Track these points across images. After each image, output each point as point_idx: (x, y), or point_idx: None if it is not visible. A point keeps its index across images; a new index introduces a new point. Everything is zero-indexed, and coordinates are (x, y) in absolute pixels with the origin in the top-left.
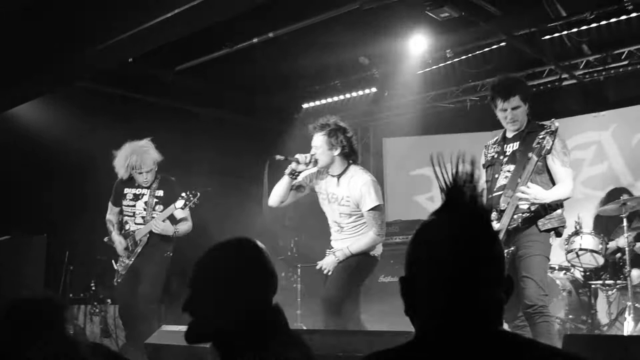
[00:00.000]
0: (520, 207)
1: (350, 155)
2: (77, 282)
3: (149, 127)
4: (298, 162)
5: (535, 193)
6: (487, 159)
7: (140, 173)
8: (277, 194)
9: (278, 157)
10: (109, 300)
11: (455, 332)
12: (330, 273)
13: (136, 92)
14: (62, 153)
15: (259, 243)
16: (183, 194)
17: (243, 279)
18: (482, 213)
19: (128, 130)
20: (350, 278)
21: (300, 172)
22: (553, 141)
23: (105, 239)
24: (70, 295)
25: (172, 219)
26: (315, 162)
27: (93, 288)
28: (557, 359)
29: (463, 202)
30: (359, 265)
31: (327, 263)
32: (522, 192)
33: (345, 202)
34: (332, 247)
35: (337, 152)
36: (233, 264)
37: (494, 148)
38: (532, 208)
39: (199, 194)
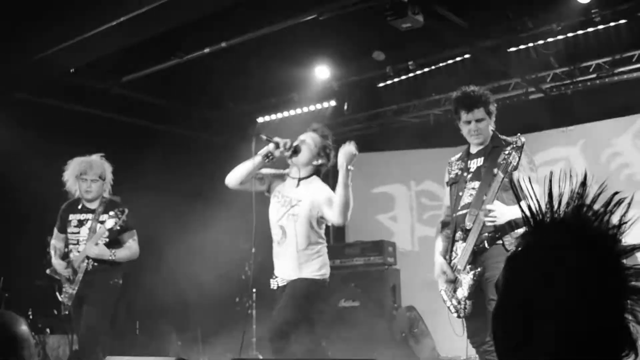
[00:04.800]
0: (487, 226)
1: (320, 171)
2: (13, 311)
3: (92, 142)
4: (277, 146)
5: (500, 211)
6: (450, 176)
7: (85, 180)
8: (240, 172)
9: (263, 136)
10: (48, 330)
11: None
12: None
13: (79, 105)
14: None
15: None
16: (111, 212)
17: None
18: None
19: (70, 145)
20: (300, 306)
21: (274, 157)
22: (519, 157)
23: (48, 271)
24: None
25: (117, 243)
26: (295, 153)
27: (31, 317)
28: None
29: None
30: (309, 291)
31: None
32: (487, 211)
33: (296, 201)
34: (275, 275)
35: (318, 162)
36: None
37: (458, 165)
38: (498, 226)
39: (126, 210)
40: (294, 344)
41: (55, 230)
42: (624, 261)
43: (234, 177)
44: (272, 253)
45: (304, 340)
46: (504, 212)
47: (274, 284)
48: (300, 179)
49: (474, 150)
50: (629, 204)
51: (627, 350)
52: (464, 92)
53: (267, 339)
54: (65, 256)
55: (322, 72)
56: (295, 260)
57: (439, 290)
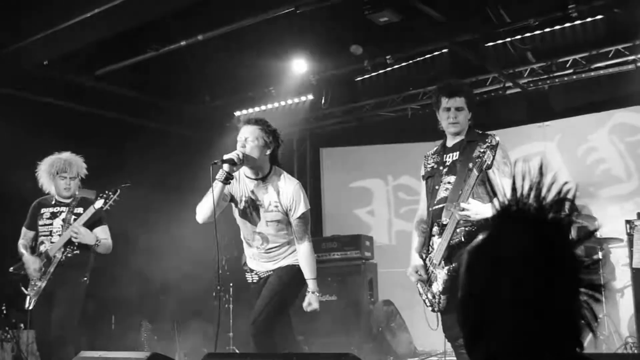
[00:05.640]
0: (462, 221)
1: (275, 159)
2: None
3: (65, 135)
4: (233, 163)
5: (475, 209)
6: (426, 169)
7: (64, 178)
8: (209, 207)
9: (217, 161)
10: (21, 325)
11: (541, 352)
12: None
13: (51, 98)
14: None
15: None
16: (101, 194)
17: None
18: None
19: (42, 138)
20: (283, 296)
21: (233, 175)
22: (494, 156)
23: (11, 269)
24: None
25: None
26: (248, 159)
27: (4, 312)
28: None
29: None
30: (292, 281)
31: (313, 302)
32: (463, 209)
33: (274, 207)
34: (252, 269)
35: (269, 151)
36: None
37: (434, 158)
38: (474, 221)
39: (118, 190)
40: (275, 337)
41: (24, 229)
42: (578, 251)
43: (205, 214)
44: (246, 252)
45: (280, 334)
46: (478, 210)
47: (253, 277)
48: (264, 178)
49: (450, 143)
50: (574, 194)
51: (576, 339)
52: (447, 81)
53: (250, 334)
54: (33, 251)
55: (299, 65)
56: (276, 258)
57: (416, 284)
